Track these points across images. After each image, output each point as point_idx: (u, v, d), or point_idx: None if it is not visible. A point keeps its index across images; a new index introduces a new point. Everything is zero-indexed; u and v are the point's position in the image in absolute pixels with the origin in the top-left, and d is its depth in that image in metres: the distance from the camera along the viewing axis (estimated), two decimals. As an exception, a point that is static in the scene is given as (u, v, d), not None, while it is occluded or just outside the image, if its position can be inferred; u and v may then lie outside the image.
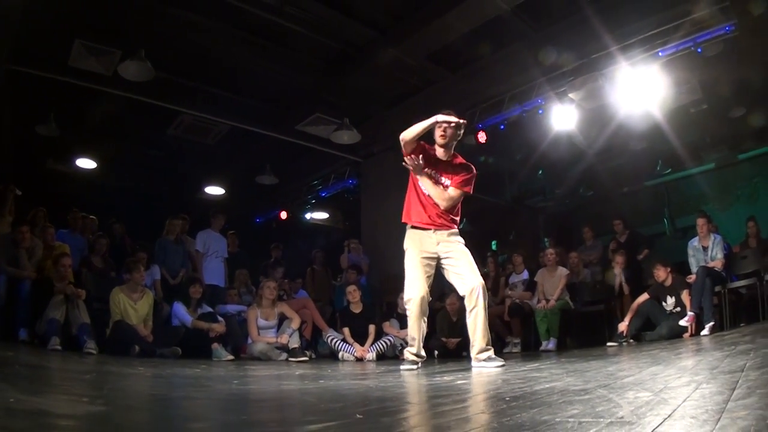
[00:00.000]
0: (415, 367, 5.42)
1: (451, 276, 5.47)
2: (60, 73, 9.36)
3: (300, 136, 11.83)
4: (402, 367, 5.44)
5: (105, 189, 13.17)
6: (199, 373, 4.90)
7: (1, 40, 8.41)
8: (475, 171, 5.63)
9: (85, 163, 13.12)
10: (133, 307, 7.92)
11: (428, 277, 5.49)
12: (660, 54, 8.41)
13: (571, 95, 9.22)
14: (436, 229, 5.49)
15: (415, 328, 5.50)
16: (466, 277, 5.34)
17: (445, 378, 4.24)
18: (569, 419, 1.91)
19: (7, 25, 8.17)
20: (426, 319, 5.55)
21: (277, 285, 9.75)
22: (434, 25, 9.05)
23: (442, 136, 5.50)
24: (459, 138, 5.68)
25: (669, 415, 1.81)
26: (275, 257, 12.38)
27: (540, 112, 10.12)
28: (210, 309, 8.83)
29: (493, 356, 5.24)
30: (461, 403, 2.67)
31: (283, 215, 15.43)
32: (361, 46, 9.88)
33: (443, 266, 5.48)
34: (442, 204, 5.46)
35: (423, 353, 5.60)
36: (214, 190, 14.62)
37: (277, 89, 11.03)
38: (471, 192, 5.60)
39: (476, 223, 15.26)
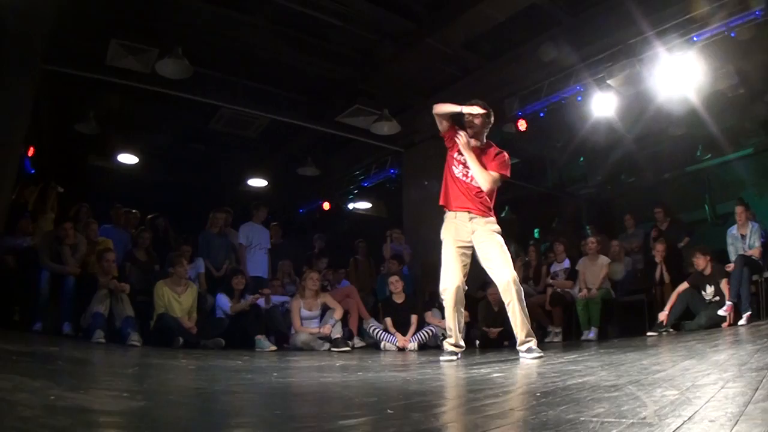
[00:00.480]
0: (454, 358, 5.44)
1: (485, 267, 5.45)
2: (97, 72, 9.43)
3: (340, 128, 11.80)
4: (441, 358, 5.46)
5: (147, 183, 13.29)
6: (240, 365, 4.94)
7: (37, 40, 8.52)
8: (508, 156, 5.61)
9: (127, 159, 13.29)
10: (177, 300, 8.00)
11: (464, 266, 5.48)
12: (695, 39, 8.28)
13: (609, 81, 9.11)
14: (472, 217, 5.46)
15: (452, 318, 5.54)
16: (497, 271, 5.33)
17: (482, 371, 4.24)
18: (593, 418, 1.90)
19: (42, 26, 8.33)
20: (463, 309, 5.57)
21: (320, 275, 9.83)
22: (470, 14, 9.01)
23: (470, 126, 5.55)
24: (490, 126, 5.72)
25: (689, 417, 1.81)
26: (318, 248, 12.46)
27: (579, 99, 10.02)
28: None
29: (534, 347, 5.21)
30: (493, 398, 2.63)
31: (326, 206, 15.52)
32: (398, 37, 9.87)
33: (478, 256, 5.47)
34: (484, 185, 5.42)
35: (461, 343, 5.61)
36: (257, 182, 14.72)
37: (316, 82, 11.08)
38: (508, 175, 5.56)
39: (519, 211, 15.21)
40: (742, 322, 7.61)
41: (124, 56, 9.06)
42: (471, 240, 5.46)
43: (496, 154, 5.57)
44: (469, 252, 5.49)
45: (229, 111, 11.42)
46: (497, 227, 5.50)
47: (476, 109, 5.44)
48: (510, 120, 10.59)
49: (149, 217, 11.27)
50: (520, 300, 5.28)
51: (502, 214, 15.64)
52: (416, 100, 11.57)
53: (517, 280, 5.34)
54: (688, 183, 13.47)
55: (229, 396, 2.97)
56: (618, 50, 8.96)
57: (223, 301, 8.65)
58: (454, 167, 5.62)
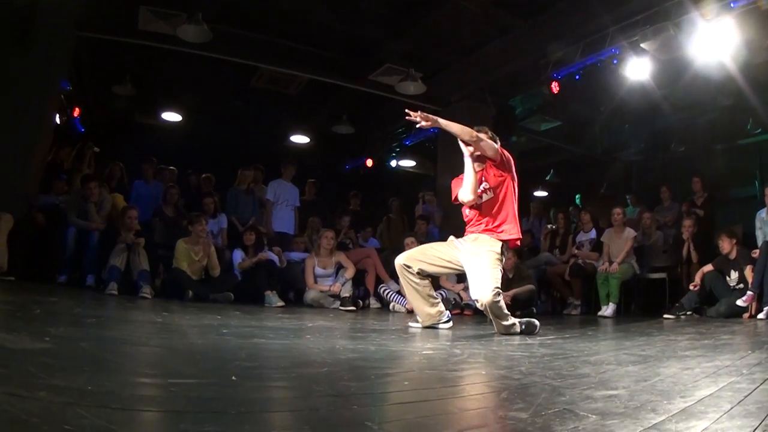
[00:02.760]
0: (416, 325, 5.21)
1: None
2: (131, 36, 9.52)
3: (376, 87, 11.42)
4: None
5: (190, 140, 13.22)
6: (208, 323, 4.60)
7: (70, 9, 8.73)
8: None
9: (171, 116, 13.32)
10: (194, 257, 8.04)
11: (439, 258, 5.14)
12: (732, 5, 7.44)
13: (643, 45, 8.37)
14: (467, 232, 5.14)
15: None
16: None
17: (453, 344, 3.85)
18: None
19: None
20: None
21: (337, 234, 9.71)
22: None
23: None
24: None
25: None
26: (354, 205, 12.21)
27: (615, 62, 9.29)
28: (273, 256, 8.84)
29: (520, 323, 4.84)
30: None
31: (369, 163, 15.20)
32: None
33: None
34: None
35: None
36: (299, 139, 14.52)
37: (350, 41, 10.63)
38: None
39: (563, 175, 14.61)
40: (761, 315, 6.86)
41: (154, 21, 9.16)
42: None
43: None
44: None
45: (268, 69, 11.24)
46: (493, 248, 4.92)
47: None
48: (544, 82, 9.96)
49: (188, 173, 11.35)
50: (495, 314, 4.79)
51: (547, 177, 15.08)
52: (454, 58, 11.02)
53: (496, 297, 4.73)
54: (740, 157, 12.62)
55: (133, 349, 2.88)
56: (653, 13, 8.17)
57: (237, 257, 8.61)
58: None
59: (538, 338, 4.59)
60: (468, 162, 4.96)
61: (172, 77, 11.87)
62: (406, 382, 2.45)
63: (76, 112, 11.57)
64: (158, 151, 11.15)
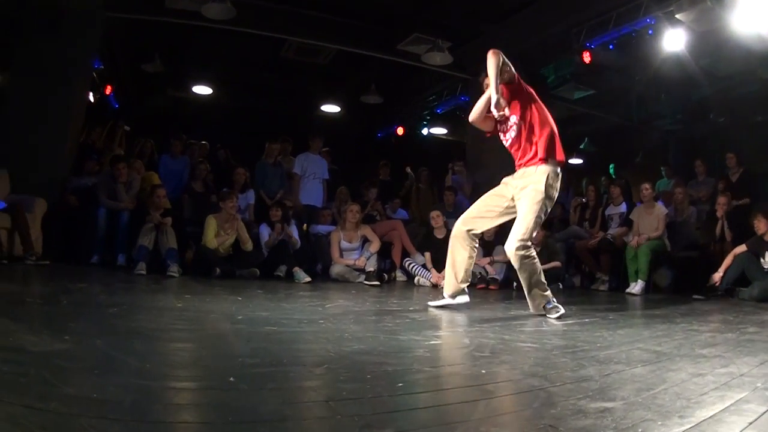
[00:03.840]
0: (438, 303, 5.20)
1: None
2: (159, 14, 9.64)
3: (405, 56, 11.27)
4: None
5: (221, 113, 13.40)
6: (225, 307, 4.62)
7: None
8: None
9: (202, 90, 13.38)
10: (222, 234, 8.08)
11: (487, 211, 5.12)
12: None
13: (678, 16, 8.07)
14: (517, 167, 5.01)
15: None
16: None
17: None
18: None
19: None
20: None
21: (364, 206, 9.80)
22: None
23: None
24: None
25: None
26: (383, 175, 12.07)
27: (650, 32, 9.00)
28: (295, 229, 8.88)
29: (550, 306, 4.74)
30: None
31: (400, 131, 15.02)
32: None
33: None
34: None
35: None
36: (330, 108, 14.44)
37: (379, 10, 10.45)
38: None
39: (598, 143, 14.30)
40: (796, 303, 6.58)
41: None
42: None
43: None
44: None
45: (296, 41, 11.21)
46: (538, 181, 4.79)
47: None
48: (576, 51, 9.67)
49: (217, 147, 11.44)
50: (523, 270, 4.74)
51: (581, 146, 14.76)
52: (485, 26, 10.75)
53: (520, 251, 4.70)
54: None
55: (144, 345, 2.81)
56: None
57: (264, 233, 8.60)
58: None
59: (556, 324, 4.46)
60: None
61: (201, 52, 11.93)
62: (399, 384, 2.33)
63: (108, 89, 11.75)
64: (189, 126, 11.42)
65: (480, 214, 5.10)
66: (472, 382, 2.46)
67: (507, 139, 4.97)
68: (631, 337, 3.84)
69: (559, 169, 4.84)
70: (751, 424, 1.89)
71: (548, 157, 4.75)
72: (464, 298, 5.22)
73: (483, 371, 2.61)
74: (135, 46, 11.53)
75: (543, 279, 4.78)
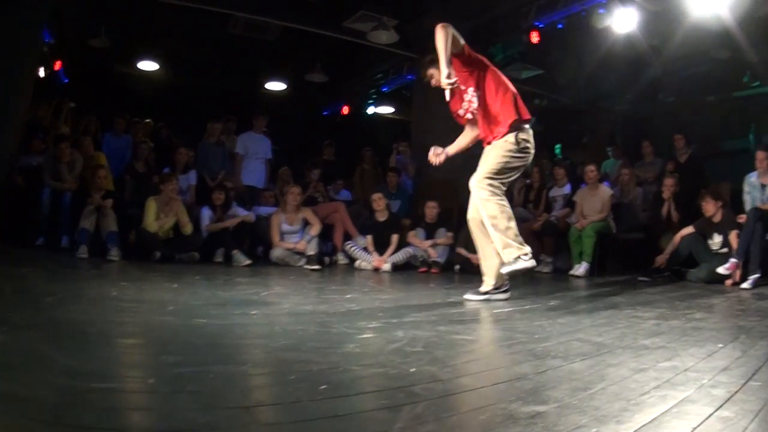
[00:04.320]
0: (473, 297, 4.88)
1: None
2: None
3: (350, 34, 10.99)
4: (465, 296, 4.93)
5: (167, 90, 13.08)
6: (144, 295, 4.47)
7: None
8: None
9: (148, 65, 12.98)
10: (162, 217, 8.01)
11: None
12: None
13: (630, -6, 7.99)
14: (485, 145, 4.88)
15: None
16: None
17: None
18: None
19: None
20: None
21: (306, 187, 9.71)
22: None
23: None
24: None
25: None
26: (327, 155, 11.85)
27: (601, 11, 8.81)
28: (242, 211, 8.76)
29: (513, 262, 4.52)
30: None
31: (345, 110, 14.76)
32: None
33: None
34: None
35: (489, 281, 4.93)
36: (276, 86, 14.06)
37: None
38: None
39: (545, 123, 14.24)
40: (746, 285, 6.51)
41: None
42: None
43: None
44: None
45: (243, 16, 10.86)
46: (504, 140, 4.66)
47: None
48: (524, 31, 9.50)
49: (159, 126, 11.23)
50: (487, 218, 4.60)
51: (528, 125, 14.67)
52: (430, 5, 10.51)
53: (482, 188, 4.58)
54: (734, 109, 12.24)
55: (69, 341, 2.71)
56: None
57: (205, 216, 8.43)
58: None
59: (495, 311, 4.32)
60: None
61: (147, 27, 11.49)
62: (322, 387, 2.09)
63: (58, 65, 11.52)
64: (135, 102, 11.22)
65: None
66: (399, 383, 2.24)
67: (472, 112, 4.82)
68: (572, 327, 3.66)
69: (527, 126, 4.72)
70: (694, 429, 1.74)
71: (514, 119, 4.64)
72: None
73: (412, 370, 2.40)
74: (84, 21, 11.14)
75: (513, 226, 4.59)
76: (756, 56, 9.74)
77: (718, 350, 2.97)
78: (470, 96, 4.77)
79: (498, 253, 4.66)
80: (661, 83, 12.56)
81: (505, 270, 4.54)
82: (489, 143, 4.78)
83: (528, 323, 3.75)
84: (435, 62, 4.56)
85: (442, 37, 4.39)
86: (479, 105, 4.75)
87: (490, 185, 4.55)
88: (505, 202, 4.60)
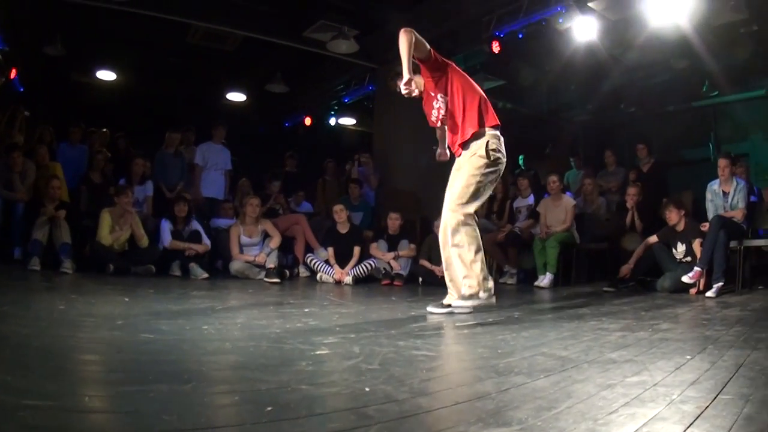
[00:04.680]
0: (436, 311, 4.65)
1: None
2: None
3: (311, 44, 10.87)
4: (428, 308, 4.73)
5: (125, 100, 12.77)
6: (93, 309, 4.28)
7: None
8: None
9: (106, 75, 12.79)
10: (116, 229, 7.85)
11: None
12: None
13: (590, 4, 7.98)
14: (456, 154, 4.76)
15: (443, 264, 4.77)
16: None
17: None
18: None
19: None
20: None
21: (267, 199, 9.64)
22: None
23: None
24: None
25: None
26: (290, 166, 11.68)
27: (561, 20, 8.74)
28: (199, 227, 8.46)
29: (457, 303, 4.44)
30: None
31: (308, 121, 14.56)
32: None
33: None
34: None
35: (455, 293, 4.63)
36: (235, 97, 13.91)
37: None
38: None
39: (507, 135, 14.19)
40: (710, 293, 6.47)
41: None
42: None
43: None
44: None
45: (202, 25, 10.69)
46: (474, 149, 4.54)
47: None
48: (485, 41, 9.43)
49: (117, 136, 10.95)
50: (455, 247, 4.46)
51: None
52: (391, 14, 10.41)
53: (455, 221, 4.44)
54: (694, 119, 12.40)
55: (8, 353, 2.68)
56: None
57: (164, 229, 8.17)
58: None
59: (457, 324, 4.18)
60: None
61: (105, 35, 11.26)
62: (268, 408, 1.93)
63: (13, 73, 11.15)
64: (92, 112, 11.10)
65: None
66: (352, 404, 2.09)
67: (441, 119, 4.70)
68: (536, 341, 3.53)
69: (498, 133, 4.62)
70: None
71: (482, 125, 4.54)
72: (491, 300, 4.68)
73: (367, 389, 2.25)
74: (40, 28, 10.89)
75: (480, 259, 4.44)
76: (714, 65, 9.83)
77: (686, 362, 2.87)
78: (439, 102, 4.65)
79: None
80: (622, 93, 12.59)
81: (455, 303, 4.41)
82: (458, 154, 4.68)
83: (491, 337, 3.61)
84: (401, 74, 4.44)
85: (405, 41, 4.35)
86: (446, 110, 4.64)
87: (465, 214, 4.41)
88: (476, 232, 4.47)
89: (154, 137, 10.25)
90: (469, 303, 4.39)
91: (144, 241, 7.94)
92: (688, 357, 3.01)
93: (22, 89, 11.69)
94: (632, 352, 3.16)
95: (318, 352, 3.01)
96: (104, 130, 10.67)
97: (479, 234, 4.50)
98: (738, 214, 7.18)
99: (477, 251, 4.42)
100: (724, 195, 7.41)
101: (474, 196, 4.47)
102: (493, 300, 4.46)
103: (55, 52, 11.07)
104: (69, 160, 9.34)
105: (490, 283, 4.48)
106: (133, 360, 2.68)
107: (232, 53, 12.04)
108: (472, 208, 4.46)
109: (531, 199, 9.25)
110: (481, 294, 4.40)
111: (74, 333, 3.32)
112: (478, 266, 4.40)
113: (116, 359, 2.72)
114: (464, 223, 4.41)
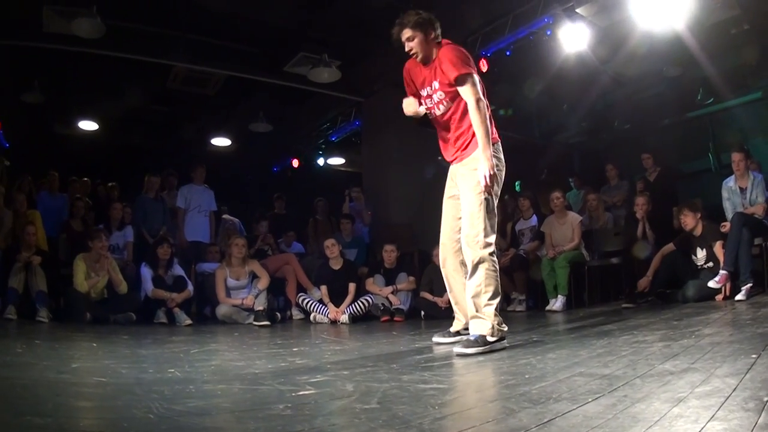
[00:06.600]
0: (442, 340, 4.19)
1: None
2: (38, 40, 8.82)
3: (292, 79, 10.40)
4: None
5: (108, 150, 12.47)
6: (56, 353, 4.08)
7: None
8: (459, 49, 4.00)
9: (88, 125, 12.44)
10: (92, 276, 7.39)
11: (455, 218, 4.12)
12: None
13: (579, 10, 7.55)
14: (451, 162, 4.21)
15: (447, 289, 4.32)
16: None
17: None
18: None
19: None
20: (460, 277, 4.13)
21: (255, 241, 9.26)
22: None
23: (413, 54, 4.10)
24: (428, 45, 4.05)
25: None
26: (278, 209, 11.15)
27: (548, 32, 8.28)
28: (182, 272, 7.92)
29: (473, 338, 3.64)
30: None
31: (295, 163, 14.14)
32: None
33: None
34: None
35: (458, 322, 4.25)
36: (221, 142, 13.47)
37: (259, 30, 9.60)
38: (471, 69, 3.90)
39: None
40: (740, 296, 5.84)
41: (58, 21, 8.31)
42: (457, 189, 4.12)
43: (443, 56, 3.97)
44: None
45: (183, 69, 10.33)
46: (476, 163, 3.92)
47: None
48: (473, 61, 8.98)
49: (97, 183, 10.67)
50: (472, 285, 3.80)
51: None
52: (377, 44, 9.96)
53: (478, 242, 3.77)
54: (691, 130, 11.76)
55: None
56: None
57: (145, 276, 7.62)
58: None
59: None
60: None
61: (84, 83, 10.90)
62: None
63: None
64: (74, 162, 10.82)
65: (446, 231, 4.23)
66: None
67: (432, 109, 4.19)
68: (568, 361, 2.91)
69: (500, 146, 4.10)
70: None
71: (476, 149, 3.95)
72: None
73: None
74: (18, 76, 10.55)
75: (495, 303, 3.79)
76: (708, 69, 9.42)
77: (755, 362, 2.33)
78: (437, 99, 4.08)
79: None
80: (616, 110, 12.23)
81: (456, 348, 3.60)
82: (457, 157, 4.13)
83: (512, 362, 3.00)
84: (422, 25, 3.96)
85: (479, 120, 3.84)
86: (443, 115, 4.10)
87: (484, 246, 3.77)
88: (496, 271, 3.82)
89: (137, 186, 9.79)
90: (475, 349, 3.56)
91: (123, 287, 7.46)
92: (754, 356, 2.48)
93: (7, 145, 11.15)
94: (686, 360, 2.59)
95: (301, 393, 2.41)
96: (85, 179, 10.30)
97: (498, 272, 3.87)
98: (759, 210, 6.60)
99: (494, 294, 3.78)
100: (742, 191, 6.84)
101: (488, 214, 3.84)
102: (503, 344, 3.77)
103: (33, 99, 10.73)
104: (49, 209, 8.91)
105: (504, 328, 3.81)
106: (70, 407, 2.31)
107: (214, 97, 11.66)
108: (491, 236, 3.82)
109: (534, 220, 8.67)
110: (488, 338, 3.67)
111: (20, 375, 2.98)
112: (491, 309, 3.74)
113: (50, 403, 2.32)
114: (482, 260, 3.76)
